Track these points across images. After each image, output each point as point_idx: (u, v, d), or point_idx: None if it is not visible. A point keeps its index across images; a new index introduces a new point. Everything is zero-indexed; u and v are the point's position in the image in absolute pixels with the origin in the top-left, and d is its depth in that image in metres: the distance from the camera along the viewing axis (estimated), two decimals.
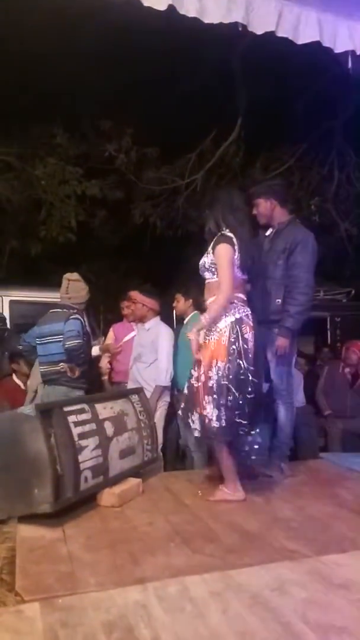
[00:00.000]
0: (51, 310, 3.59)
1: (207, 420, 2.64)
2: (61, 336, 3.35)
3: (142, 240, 7.73)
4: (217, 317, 2.70)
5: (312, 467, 3.51)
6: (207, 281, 2.84)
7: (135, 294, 3.92)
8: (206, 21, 2.81)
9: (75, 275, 3.64)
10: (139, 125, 6.55)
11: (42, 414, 2.37)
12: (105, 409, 2.84)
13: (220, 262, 2.72)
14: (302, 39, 2.95)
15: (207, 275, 2.82)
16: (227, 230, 2.79)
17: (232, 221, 2.82)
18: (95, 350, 3.74)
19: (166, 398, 3.74)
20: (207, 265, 2.80)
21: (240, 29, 2.89)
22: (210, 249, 2.80)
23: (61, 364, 3.36)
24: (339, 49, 3.03)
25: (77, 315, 3.46)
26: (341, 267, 8.05)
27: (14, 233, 7.34)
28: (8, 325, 4.75)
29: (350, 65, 3.11)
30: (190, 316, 4.00)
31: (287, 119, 6.36)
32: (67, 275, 3.64)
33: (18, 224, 7.21)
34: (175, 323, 4.49)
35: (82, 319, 3.48)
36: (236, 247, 2.76)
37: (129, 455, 2.90)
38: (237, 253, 2.76)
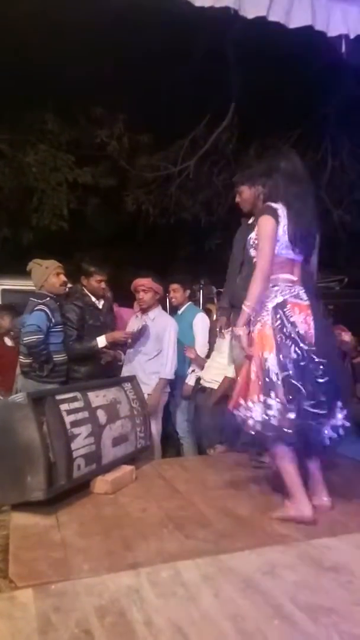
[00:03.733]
0: (29, 299, 3.42)
1: (264, 419, 2.26)
2: None
3: (135, 228, 7.69)
4: (260, 300, 2.39)
5: None
6: (254, 260, 2.50)
7: (149, 282, 3.61)
8: (197, 4, 2.78)
9: (29, 266, 3.41)
10: (130, 111, 6.48)
11: (34, 402, 2.36)
12: (97, 397, 2.84)
13: (260, 236, 2.41)
14: (294, 23, 2.92)
15: (252, 252, 2.52)
16: (281, 203, 2.43)
17: (290, 195, 2.44)
18: (101, 341, 3.39)
19: (166, 388, 3.68)
20: (252, 242, 2.50)
21: (232, 12, 2.85)
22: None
23: (31, 357, 3.20)
24: (332, 32, 3.00)
25: (41, 307, 3.21)
26: (335, 255, 8.05)
27: (5, 221, 7.27)
28: None
29: (343, 49, 3.07)
30: (185, 307, 3.98)
31: (280, 105, 6.30)
32: None
33: (9, 212, 7.14)
34: (169, 313, 4.48)
35: (47, 310, 3.21)
36: (282, 221, 2.40)
37: (122, 443, 2.91)
38: (283, 225, 2.40)
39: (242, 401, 2.37)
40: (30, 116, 6.71)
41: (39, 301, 3.26)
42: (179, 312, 4.00)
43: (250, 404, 2.32)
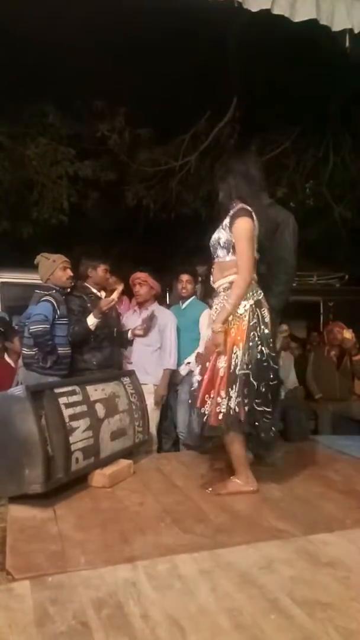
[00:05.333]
0: (34, 291, 3.45)
1: (225, 410, 2.44)
2: None
3: (136, 223, 7.66)
4: (240, 303, 2.50)
5: (302, 449, 3.55)
6: (218, 260, 2.63)
7: (146, 277, 3.71)
8: None
9: (36, 259, 3.45)
10: (132, 105, 6.43)
11: (32, 396, 2.36)
12: (96, 391, 2.85)
13: (240, 238, 2.49)
14: (298, 17, 2.89)
15: (220, 253, 2.60)
16: (242, 203, 2.57)
17: (247, 194, 2.58)
18: (90, 319, 3.37)
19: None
20: (222, 243, 2.57)
21: (235, 5, 2.82)
22: (226, 223, 2.57)
23: (35, 349, 3.20)
24: (336, 27, 2.96)
25: (48, 298, 3.25)
26: (335, 252, 8.04)
27: (5, 214, 7.23)
28: None
29: (347, 44, 3.05)
30: (189, 301, 3.97)
31: (282, 100, 6.27)
32: None
33: (9, 205, 7.10)
34: (168, 307, 4.46)
35: (53, 301, 3.25)
36: (255, 223, 2.54)
37: (120, 437, 2.92)
38: (256, 229, 2.55)
39: (207, 398, 2.52)
40: (31, 109, 6.66)
41: (46, 292, 3.30)
42: (182, 306, 3.97)
43: (219, 399, 2.47)
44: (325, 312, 6.63)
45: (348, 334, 4.98)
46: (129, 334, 3.70)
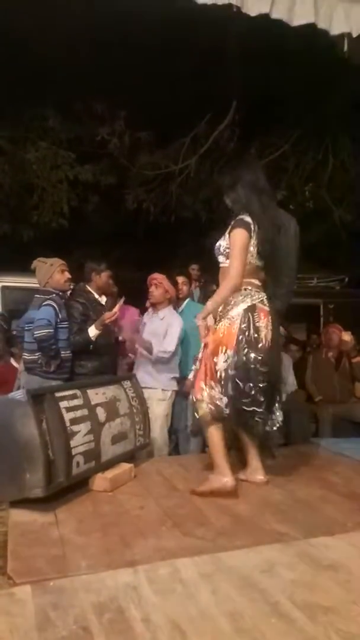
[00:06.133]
0: (34, 296, 3.47)
1: (212, 402, 2.57)
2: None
3: (136, 227, 7.67)
4: (223, 303, 2.65)
5: (303, 452, 3.54)
6: (221, 265, 2.77)
7: (162, 278, 3.71)
8: (199, 1, 2.77)
9: (33, 264, 3.45)
10: (132, 108, 6.45)
11: (33, 400, 2.37)
12: (97, 395, 2.85)
13: (232, 247, 2.64)
14: (296, 21, 2.90)
15: (221, 259, 2.75)
16: (247, 214, 2.67)
17: (255, 206, 2.67)
18: (92, 331, 3.39)
19: (174, 387, 3.69)
20: (222, 249, 2.73)
21: (234, 9, 2.84)
22: (227, 233, 2.71)
23: (37, 354, 3.21)
24: (334, 31, 2.98)
25: (50, 302, 3.26)
26: (335, 254, 8.06)
27: (5, 218, 7.25)
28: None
29: (346, 48, 3.07)
30: (184, 304, 3.98)
31: (282, 103, 6.29)
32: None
33: (10, 208, 7.12)
34: None
35: (55, 306, 3.26)
36: (253, 233, 2.66)
37: (121, 441, 2.92)
38: (253, 239, 2.66)
39: (202, 385, 2.61)
40: (31, 112, 6.69)
41: (46, 297, 3.31)
42: (179, 310, 3.97)
43: (203, 385, 2.60)
44: (325, 315, 6.65)
45: (347, 336, 4.98)
46: (120, 336, 3.71)
